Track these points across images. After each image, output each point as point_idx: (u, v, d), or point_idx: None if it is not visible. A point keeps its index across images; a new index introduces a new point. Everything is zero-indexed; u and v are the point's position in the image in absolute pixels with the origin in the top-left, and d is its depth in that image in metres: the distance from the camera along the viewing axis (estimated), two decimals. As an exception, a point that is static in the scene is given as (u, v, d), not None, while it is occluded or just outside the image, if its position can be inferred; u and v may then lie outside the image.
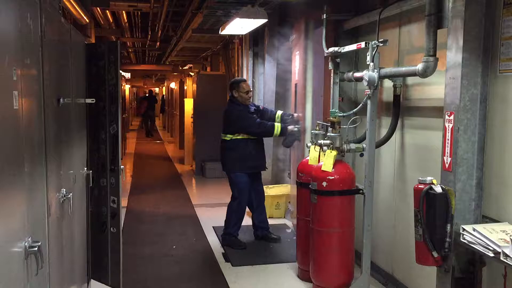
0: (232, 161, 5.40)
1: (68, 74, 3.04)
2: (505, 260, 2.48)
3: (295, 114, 5.57)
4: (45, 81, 2.25)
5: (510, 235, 2.56)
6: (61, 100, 2.73)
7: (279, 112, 5.51)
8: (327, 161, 3.92)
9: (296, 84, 5.97)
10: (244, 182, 5.39)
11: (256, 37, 7.88)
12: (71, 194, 2.80)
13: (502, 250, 2.50)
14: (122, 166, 3.79)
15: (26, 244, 1.82)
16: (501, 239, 2.58)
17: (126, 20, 9.95)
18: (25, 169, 1.88)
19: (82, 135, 3.62)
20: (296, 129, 5.18)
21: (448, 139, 3.10)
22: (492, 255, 2.58)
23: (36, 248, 1.83)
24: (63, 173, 2.76)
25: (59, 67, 2.76)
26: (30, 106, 1.96)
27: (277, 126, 5.19)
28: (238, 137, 5.32)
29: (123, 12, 9.01)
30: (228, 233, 5.49)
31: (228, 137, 5.36)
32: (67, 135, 2.96)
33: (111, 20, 9.44)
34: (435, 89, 3.61)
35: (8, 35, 1.68)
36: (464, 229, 2.85)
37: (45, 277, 2.13)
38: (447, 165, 3.12)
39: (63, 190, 2.73)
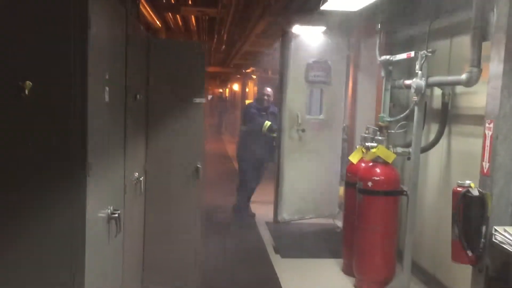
0: None
1: (143, 74, 3.50)
2: (531, 260, 2.66)
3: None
4: (127, 80, 2.69)
5: (538, 237, 2.72)
6: (137, 96, 3.18)
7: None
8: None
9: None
10: None
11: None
12: (142, 177, 3.24)
13: (529, 250, 2.67)
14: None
15: (108, 211, 2.25)
16: (529, 240, 2.75)
17: (194, 24, 10.53)
18: (110, 150, 2.31)
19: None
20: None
21: (487, 146, 3.27)
22: (520, 254, 2.76)
23: (116, 215, 2.26)
24: (136, 158, 3.21)
25: (138, 68, 3.21)
26: (116, 100, 2.40)
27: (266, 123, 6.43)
28: None
29: (192, 16, 9.57)
30: None
31: None
32: (138, 126, 3.41)
33: (180, 24, 10.05)
34: (481, 98, 3.76)
35: (104, 42, 2.11)
36: (496, 230, 3.03)
37: (121, 241, 2.57)
38: (485, 170, 3.30)
39: (136, 174, 3.18)
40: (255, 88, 11.21)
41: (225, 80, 26.41)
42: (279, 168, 6.05)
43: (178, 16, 9.24)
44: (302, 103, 6.05)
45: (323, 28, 5.81)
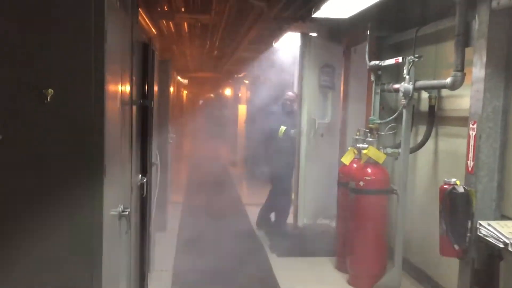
0: None
1: (144, 80, 3.66)
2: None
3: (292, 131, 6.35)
4: (133, 87, 2.86)
5: (519, 229, 2.93)
6: (140, 101, 3.34)
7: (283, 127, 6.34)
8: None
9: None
10: None
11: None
12: (145, 179, 3.40)
13: (510, 242, 2.87)
14: None
15: (120, 209, 2.41)
16: (510, 232, 2.95)
17: (187, 30, 10.70)
18: (122, 154, 2.47)
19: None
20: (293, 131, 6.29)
21: (471, 145, 3.48)
22: (502, 246, 2.95)
23: (127, 213, 2.42)
24: (140, 161, 3.37)
25: (140, 76, 3.38)
26: (126, 106, 2.56)
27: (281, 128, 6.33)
28: None
29: (185, 23, 9.74)
30: None
31: None
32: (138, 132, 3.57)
33: (173, 30, 10.21)
34: (465, 101, 3.97)
35: (117, 52, 2.28)
36: (480, 224, 3.23)
37: (129, 239, 2.73)
38: (470, 168, 3.51)
39: (140, 175, 3.34)
40: (248, 93, 11.40)
41: (216, 85, 26.50)
42: (298, 173, 6.18)
43: (171, 23, 9.41)
44: (317, 107, 6.21)
45: (315, 34, 6.01)
